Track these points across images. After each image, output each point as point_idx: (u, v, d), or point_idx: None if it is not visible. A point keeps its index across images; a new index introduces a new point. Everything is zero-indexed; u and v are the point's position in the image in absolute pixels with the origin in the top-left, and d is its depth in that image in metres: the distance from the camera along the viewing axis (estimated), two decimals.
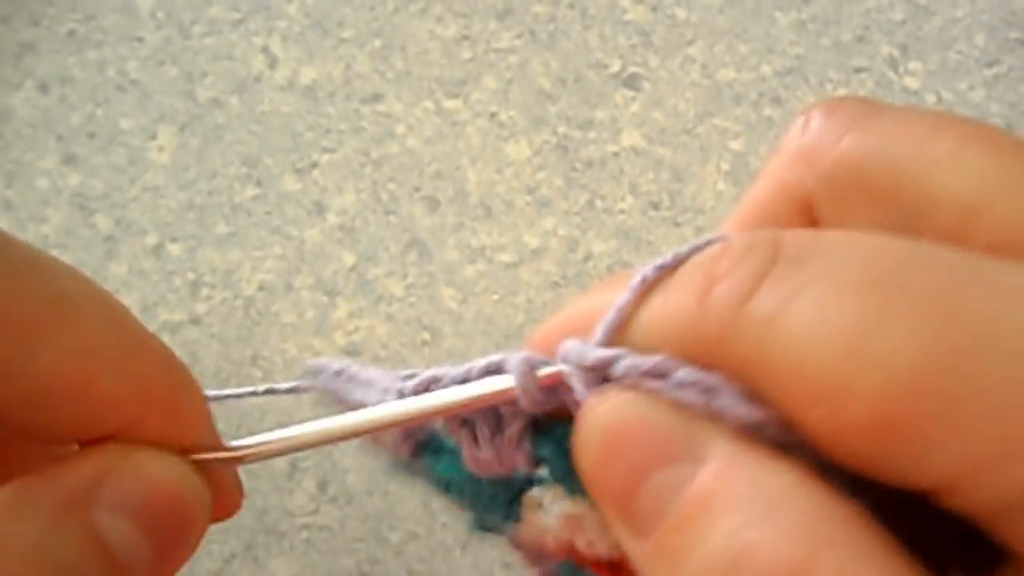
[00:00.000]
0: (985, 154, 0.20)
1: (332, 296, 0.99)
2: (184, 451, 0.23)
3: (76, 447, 0.23)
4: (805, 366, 0.18)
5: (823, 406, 0.18)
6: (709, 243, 0.21)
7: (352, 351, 0.97)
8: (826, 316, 0.18)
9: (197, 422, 0.23)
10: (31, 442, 0.23)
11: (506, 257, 1.01)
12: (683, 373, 0.20)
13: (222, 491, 0.24)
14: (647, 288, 0.21)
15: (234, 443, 0.24)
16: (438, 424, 0.24)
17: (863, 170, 0.22)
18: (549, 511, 0.24)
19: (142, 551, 0.21)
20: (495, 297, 0.99)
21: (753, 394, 0.19)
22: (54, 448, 0.23)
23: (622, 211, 1.03)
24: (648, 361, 0.20)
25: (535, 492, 0.24)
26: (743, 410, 0.19)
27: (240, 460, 0.24)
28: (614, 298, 0.21)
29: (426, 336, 0.97)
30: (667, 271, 0.21)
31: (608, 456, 0.20)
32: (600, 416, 0.20)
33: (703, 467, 0.19)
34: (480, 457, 0.23)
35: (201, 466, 0.23)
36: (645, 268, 0.21)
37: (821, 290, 0.18)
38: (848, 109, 0.23)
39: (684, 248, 0.21)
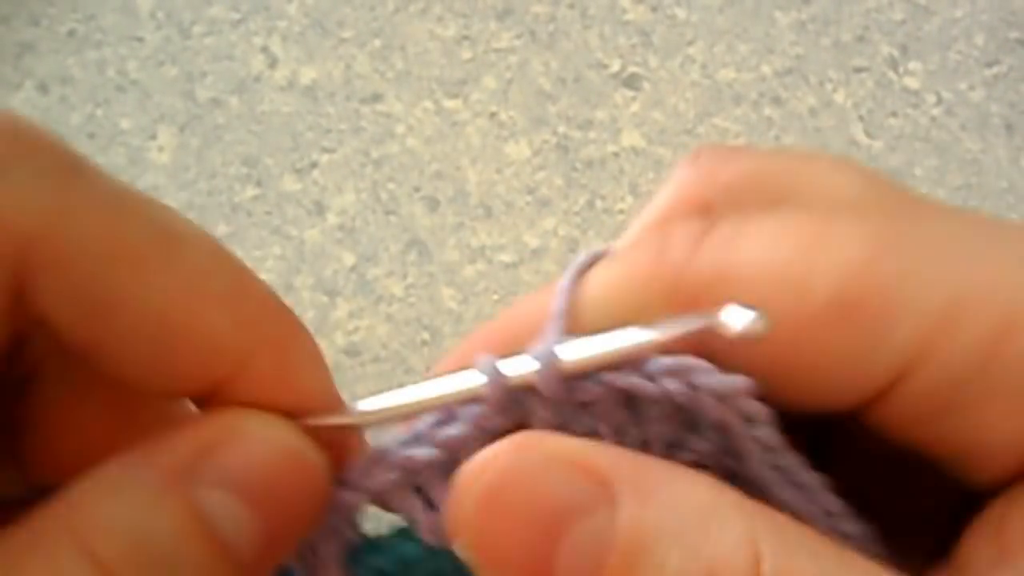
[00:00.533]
0: (853, 169, 0.23)
1: (332, 296, 0.99)
2: (299, 413, 0.21)
3: (188, 408, 0.21)
4: (770, 265, 0.19)
5: (791, 294, 0.19)
6: (606, 252, 0.22)
7: (352, 351, 0.97)
8: (781, 226, 0.20)
9: (311, 370, 0.21)
10: (142, 398, 0.22)
11: (506, 257, 1.01)
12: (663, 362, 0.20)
13: (341, 458, 0.22)
14: (582, 273, 0.22)
15: (356, 405, 0.22)
16: (368, 526, 0.22)
17: (758, 180, 0.23)
18: None
19: (252, 530, 0.19)
20: (495, 297, 0.99)
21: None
22: (164, 406, 0.22)
23: (622, 211, 1.03)
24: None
25: None
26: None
27: (359, 425, 0.22)
28: (547, 298, 0.22)
29: (426, 336, 0.97)
30: (584, 268, 0.22)
31: (505, 529, 0.18)
32: (481, 488, 0.19)
33: (619, 507, 0.18)
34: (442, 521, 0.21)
35: (318, 432, 0.21)
36: (564, 273, 0.22)
37: (770, 216, 0.20)
38: (732, 147, 0.25)
39: (582, 256, 0.22)
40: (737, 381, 0.19)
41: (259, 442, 0.20)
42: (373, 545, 0.22)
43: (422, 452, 0.21)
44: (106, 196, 0.20)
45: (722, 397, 0.19)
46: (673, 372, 0.20)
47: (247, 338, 0.20)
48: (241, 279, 0.21)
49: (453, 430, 0.21)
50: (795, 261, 0.19)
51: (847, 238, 0.19)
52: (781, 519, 0.18)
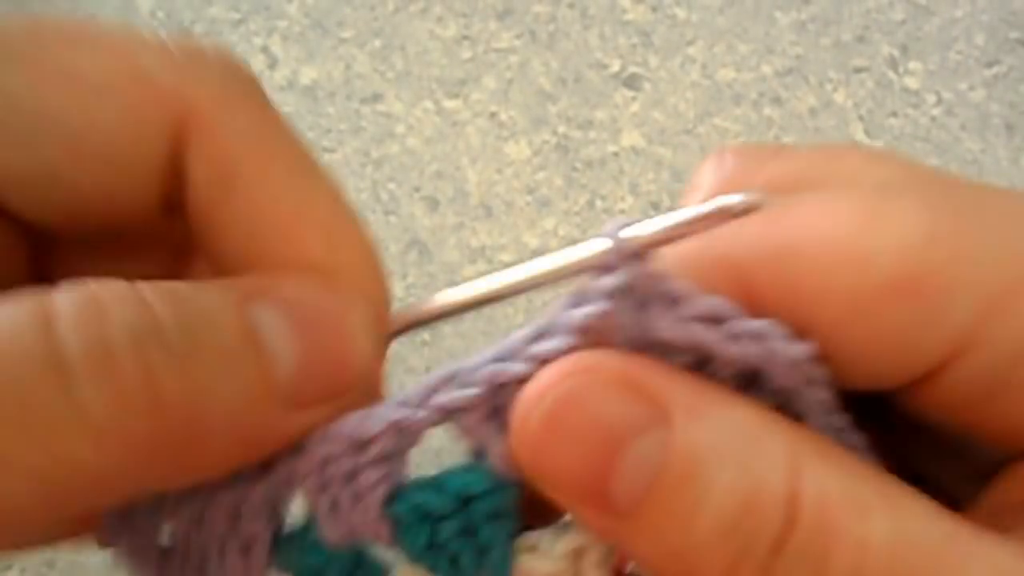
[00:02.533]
0: (894, 158, 0.23)
1: None
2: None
3: None
4: (829, 242, 0.19)
5: (850, 272, 0.19)
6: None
7: None
8: (834, 204, 0.20)
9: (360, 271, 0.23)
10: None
11: (506, 257, 1.01)
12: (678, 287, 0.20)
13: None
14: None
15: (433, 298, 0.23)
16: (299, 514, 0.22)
17: (798, 176, 0.23)
18: None
19: (288, 349, 0.21)
20: None
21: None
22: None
23: (622, 211, 1.03)
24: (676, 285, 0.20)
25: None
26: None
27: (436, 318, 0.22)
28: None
29: (426, 336, 0.97)
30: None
31: (566, 447, 0.19)
32: (545, 409, 0.20)
33: (673, 427, 0.19)
34: (340, 523, 0.22)
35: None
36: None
37: (820, 195, 0.21)
38: (760, 145, 0.24)
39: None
40: (808, 348, 0.20)
41: (311, 289, 0.22)
42: (422, 483, 0.22)
43: (512, 367, 0.21)
44: (265, 115, 0.23)
45: (795, 364, 0.20)
46: (754, 336, 0.20)
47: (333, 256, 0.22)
48: (341, 211, 0.23)
49: (547, 345, 0.21)
50: (854, 237, 0.19)
51: (905, 213, 0.19)
52: (823, 443, 0.19)
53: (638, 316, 0.20)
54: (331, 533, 0.22)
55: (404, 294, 0.99)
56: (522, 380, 0.21)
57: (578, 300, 0.21)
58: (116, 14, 1.14)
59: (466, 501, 0.22)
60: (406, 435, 0.22)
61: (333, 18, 1.14)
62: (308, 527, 0.22)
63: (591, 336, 0.21)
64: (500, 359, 0.21)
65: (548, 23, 1.13)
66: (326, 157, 1.06)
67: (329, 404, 0.21)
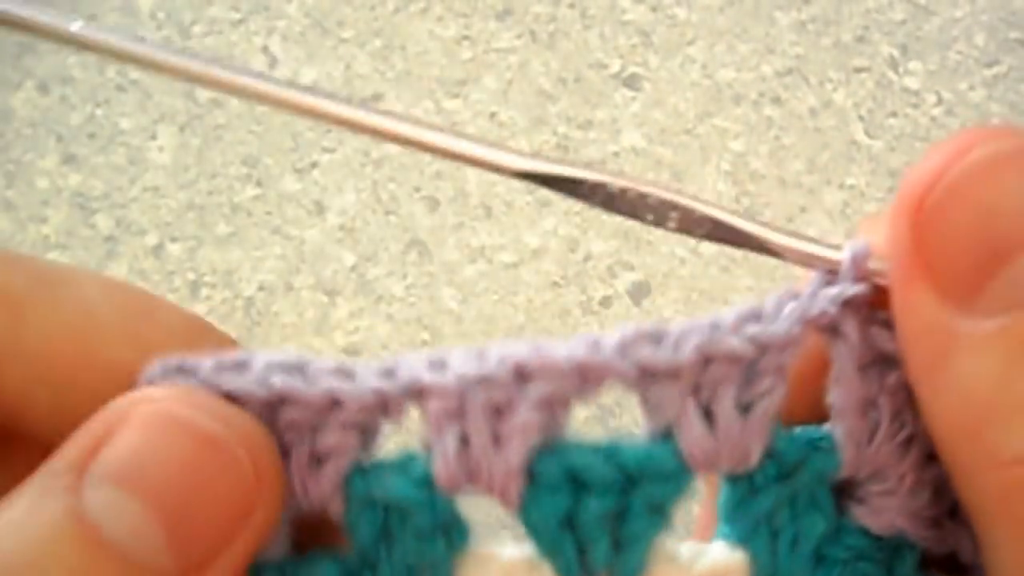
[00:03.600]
0: None
1: (332, 296, 0.99)
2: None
3: None
4: None
5: None
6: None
7: (352, 351, 0.97)
8: None
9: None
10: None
11: (506, 257, 1.01)
12: None
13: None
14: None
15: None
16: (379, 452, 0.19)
17: None
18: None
19: (148, 526, 0.16)
20: (495, 297, 0.99)
21: None
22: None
23: None
24: None
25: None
26: None
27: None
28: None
29: (426, 336, 0.97)
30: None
31: (965, 219, 0.16)
32: (968, 165, 0.16)
33: None
34: (463, 464, 0.17)
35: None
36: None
37: None
38: None
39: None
40: None
41: (146, 424, 0.16)
42: (584, 444, 0.18)
43: (729, 340, 0.18)
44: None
45: None
46: None
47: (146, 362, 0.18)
48: (136, 304, 0.19)
49: (768, 328, 0.18)
50: None
51: None
52: None
53: (860, 329, 0.18)
54: (446, 473, 0.17)
55: (404, 294, 0.99)
56: (735, 359, 0.18)
57: (804, 295, 0.18)
58: (116, 14, 1.14)
59: (634, 480, 0.18)
60: (586, 384, 0.18)
61: (333, 18, 1.14)
62: (410, 459, 0.18)
63: (811, 334, 0.18)
64: (715, 329, 0.18)
65: (548, 23, 1.13)
66: (326, 157, 1.06)
67: (241, 543, 0.16)
